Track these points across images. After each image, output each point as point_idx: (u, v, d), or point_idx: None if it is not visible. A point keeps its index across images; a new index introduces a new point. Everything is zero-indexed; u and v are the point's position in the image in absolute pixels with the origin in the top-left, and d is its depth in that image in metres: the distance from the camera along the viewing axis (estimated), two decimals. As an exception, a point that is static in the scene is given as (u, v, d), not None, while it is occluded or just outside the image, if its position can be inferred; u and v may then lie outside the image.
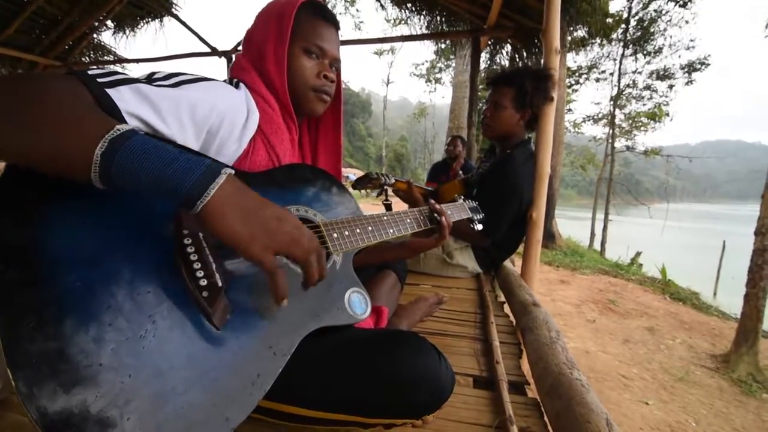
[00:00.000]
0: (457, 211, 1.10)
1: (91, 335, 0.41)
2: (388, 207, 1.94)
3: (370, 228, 0.78)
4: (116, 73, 0.52)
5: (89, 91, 0.48)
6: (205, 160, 0.45)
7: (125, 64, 5.28)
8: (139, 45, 5.18)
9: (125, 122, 0.49)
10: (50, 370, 0.38)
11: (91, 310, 0.42)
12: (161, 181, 0.42)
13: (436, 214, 0.94)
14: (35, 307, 0.39)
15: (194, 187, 0.43)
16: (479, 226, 1.18)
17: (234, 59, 0.82)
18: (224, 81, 0.75)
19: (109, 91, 0.49)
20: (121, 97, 0.50)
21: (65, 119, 0.42)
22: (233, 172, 0.47)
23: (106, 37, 5.52)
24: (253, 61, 0.77)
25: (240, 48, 0.83)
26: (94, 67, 5.12)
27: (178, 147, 0.46)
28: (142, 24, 4.86)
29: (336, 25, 0.82)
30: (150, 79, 0.57)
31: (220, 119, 0.63)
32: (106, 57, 5.26)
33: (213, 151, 0.64)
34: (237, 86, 0.73)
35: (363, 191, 1.98)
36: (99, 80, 0.49)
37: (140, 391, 0.42)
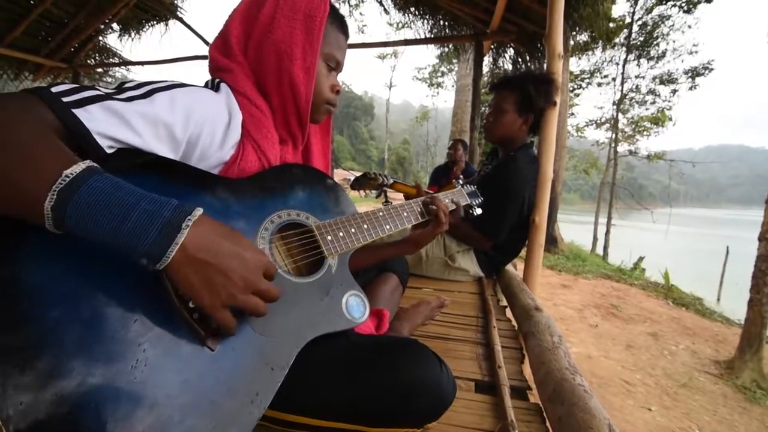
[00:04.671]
0: (456, 197, 1.08)
1: (80, 373, 0.39)
2: None
3: (365, 226, 0.76)
4: (83, 89, 0.49)
5: (53, 114, 0.44)
6: (165, 207, 0.42)
7: (130, 67, 5.33)
8: (144, 48, 5.22)
9: (97, 144, 0.47)
10: (41, 413, 0.36)
11: (77, 347, 0.40)
12: (116, 238, 0.40)
13: (431, 205, 0.92)
14: (17, 349, 0.37)
15: (152, 250, 0.41)
16: (478, 210, 1.17)
17: (209, 56, 0.74)
18: (205, 84, 0.70)
19: (77, 111, 0.45)
20: (91, 117, 0.46)
21: (10, 157, 0.38)
22: (198, 215, 0.44)
23: (112, 39, 5.60)
24: (255, 59, 0.71)
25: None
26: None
27: (155, 184, 0.44)
28: (147, 27, 4.90)
29: (348, 38, 0.82)
30: (120, 89, 0.53)
31: (198, 128, 0.59)
32: (111, 59, 5.31)
33: (195, 160, 0.61)
34: (217, 88, 0.67)
35: (362, 193, 1.97)
36: (64, 99, 0.45)
37: (136, 426, 0.40)
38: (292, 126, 0.76)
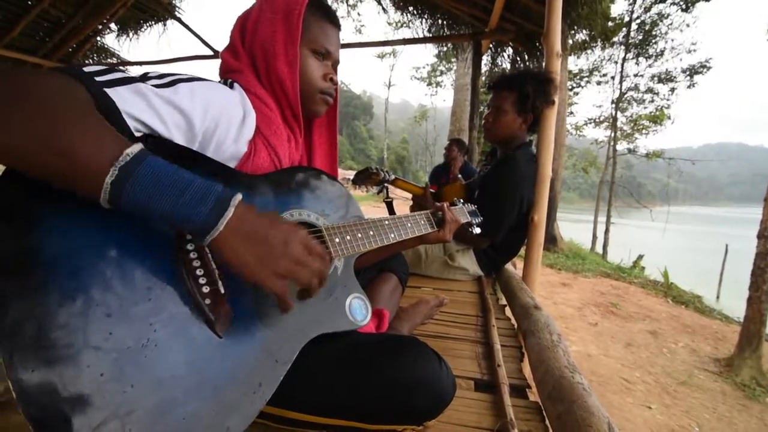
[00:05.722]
0: (456, 214, 1.10)
1: (93, 346, 0.40)
2: (389, 204, 1.94)
3: (371, 232, 0.78)
4: (114, 70, 0.50)
5: (87, 91, 0.45)
6: (214, 188, 0.45)
7: (128, 67, 5.32)
8: (142, 47, 5.23)
9: (125, 124, 0.48)
10: (49, 382, 0.37)
11: (91, 321, 0.41)
12: (172, 212, 0.42)
13: (440, 212, 1.00)
14: (34, 317, 0.38)
15: (205, 221, 0.44)
16: (477, 230, 1.20)
17: (221, 59, 0.78)
18: (219, 82, 0.73)
19: (108, 91, 0.47)
20: (121, 97, 0.48)
21: (69, 131, 0.39)
22: (241, 197, 0.47)
23: (110, 39, 5.56)
24: (252, 61, 0.74)
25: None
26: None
27: (188, 168, 0.45)
28: (145, 27, 4.88)
29: (339, 27, 0.82)
30: (144, 78, 0.55)
31: (215, 121, 0.61)
32: (109, 59, 5.29)
33: (210, 152, 0.63)
34: (231, 86, 0.71)
35: (364, 189, 1.98)
36: (97, 79, 0.47)
37: (142, 402, 0.41)
38: (288, 121, 0.78)
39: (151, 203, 0.42)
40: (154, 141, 0.53)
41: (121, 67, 0.55)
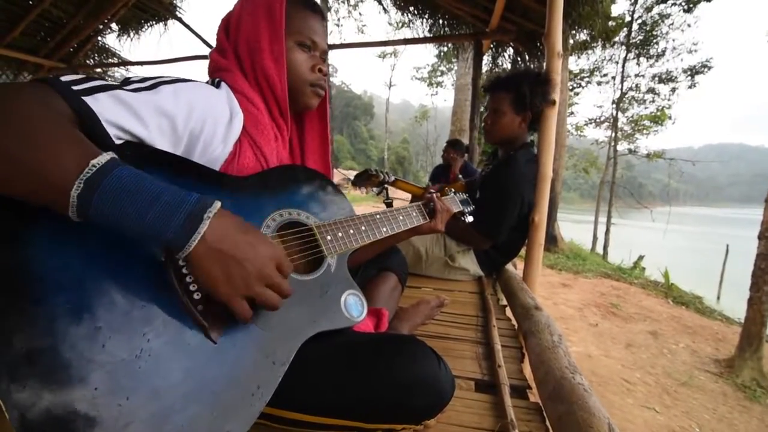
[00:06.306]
0: (448, 204, 1.11)
1: (85, 360, 0.40)
2: (389, 206, 1.94)
3: (363, 228, 0.78)
4: (91, 79, 0.50)
5: (65, 102, 0.45)
6: (187, 200, 0.43)
7: (129, 67, 5.32)
8: (143, 48, 5.22)
9: (105, 132, 0.48)
10: (43, 398, 0.37)
11: (83, 334, 0.40)
12: (141, 226, 0.41)
13: (431, 203, 1.01)
14: (24, 332, 0.38)
15: (175, 237, 0.42)
16: (470, 218, 1.22)
17: (210, 59, 0.78)
18: (206, 82, 0.72)
19: (87, 99, 0.47)
20: (99, 104, 0.47)
21: (36, 147, 0.39)
22: (218, 208, 0.45)
23: (111, 39, 5.57)
24: (238, 59, 0.74)
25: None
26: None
27: (161, 178, 0.44)
28: (146, 27, 4.89)
29: (322, 16, 0.81)
30: (126, 83, 0.54)
31: (201, 122, 0.60)
32: (110, 59, 5.30)
33: (197, 154, 0.62)
34: (218, 86, 0.70)
35: (363, 191, 2.00)
36: (74, 88, 0.47)
37: (139, 413, 0.41)
38: (276, 119, 0.77)
39: (119, 217, 0.40)
40: (133, 147, 0.52)
41: (101, 75, 0.54)
